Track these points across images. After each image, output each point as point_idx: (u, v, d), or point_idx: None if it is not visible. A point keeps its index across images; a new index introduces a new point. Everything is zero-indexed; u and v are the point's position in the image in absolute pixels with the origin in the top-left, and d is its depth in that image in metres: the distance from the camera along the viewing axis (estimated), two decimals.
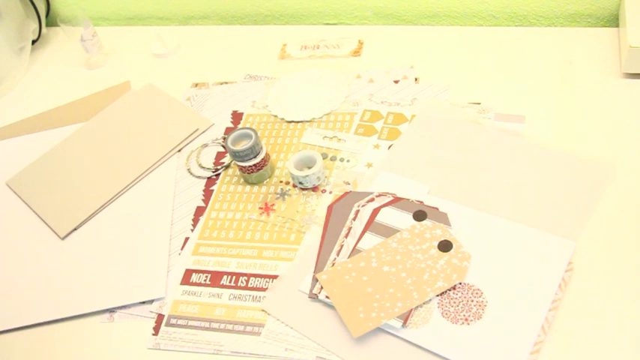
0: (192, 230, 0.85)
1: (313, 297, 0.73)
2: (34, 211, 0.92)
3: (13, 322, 0.79)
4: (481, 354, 0.65)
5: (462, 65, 0.98)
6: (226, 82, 1.06)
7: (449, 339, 0.67)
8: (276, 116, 0.97)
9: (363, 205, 0.80)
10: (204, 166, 0.93)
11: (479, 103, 0.91)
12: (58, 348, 0.76)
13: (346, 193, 0.83)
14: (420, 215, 0.77)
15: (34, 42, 1.23)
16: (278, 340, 0.71)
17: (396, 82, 0.98)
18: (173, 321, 0.76)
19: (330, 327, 0.71)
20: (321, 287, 0.73)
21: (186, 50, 1.15)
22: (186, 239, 0.84)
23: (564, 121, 0.87)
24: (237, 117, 0.99)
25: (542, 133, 0.85)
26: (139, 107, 1.04)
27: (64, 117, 1.07)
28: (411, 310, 0.69)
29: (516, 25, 1.08)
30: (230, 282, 0.78)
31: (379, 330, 0.69)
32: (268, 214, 0.84)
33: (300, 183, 0.85)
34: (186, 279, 0.80)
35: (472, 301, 0.69)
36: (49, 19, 1.28)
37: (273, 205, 0.85)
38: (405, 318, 0.68)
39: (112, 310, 0.78)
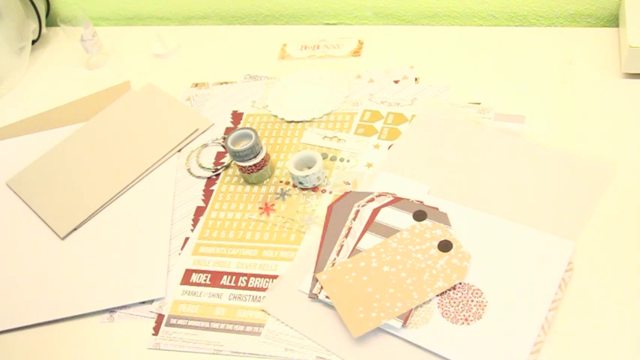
0: (192, 230, 0.85)
1: (313, 297, 0.73)
2: (34, 211, 0.92)
3: (13, 322, 0.79)
4: (481, 354, 0.65)
5: (462, 65, 0.98)
6: (226, 82, 1.06)
7: (449, 339, 0.67)
8: (276, 116, 0.97)
9: (363, 205, 0.80)
10: (204, 166, 0.93)
11: (479, 103, 0.91)
12: (58, 348, 0.76)
13: (346, 193, 0.83)
14: (420, 215, 0.77)
15: (34, 42, 1.23)
16: (278, 340, 0.71)
17: (396, 82, 0.98)
18: (173, 321, 0.76)
19: (330, 327, 0.71)
20: (321, 287, 0.73)
21: (186, 50, 1.15)
22: (186, 239, 0.84)
23: (564, 121, 0.87)
24: (237, 117, 0.99)
25: (542, 133, 0.86)
26: (139, 107, 1.04)
27: (64, 117, 1.07)
28: (411, 310, 0.69)
29: (516, 25, 1.08)
30: (230, 282, 0.78)
31: (379, 330, 0.69)
32: (268, 214, 0.84)
33: (300, 183, 0.85)
34: (186, 279, 0.80)
35: (472, 301, 0.69)
36: (49, 19, 1.28)
37: (273, 205, 0.85)
38: (405, 318, 0.68)
39: (112, 310, 0.78)
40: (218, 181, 0.90)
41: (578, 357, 0.64)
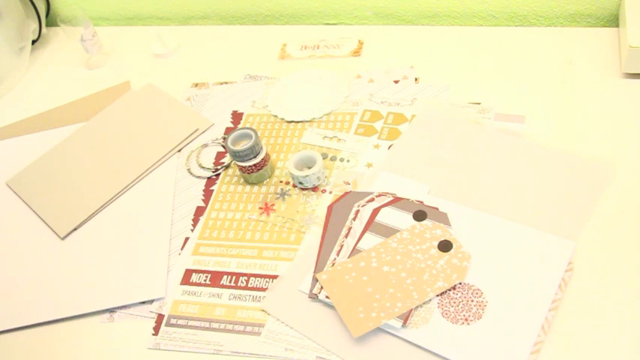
0: (192, 230, 0.85)
1: (313, 297, 0.73)
2: (34, 211, 0.92)
3: (13, 322, 0.79)
4: (481, 354, 0.65)
5: (462, 65, 0.98)
6: (226, 82, 1.06)
7: (449, 339, 0.67)
8: (276, 116, 0.97)
9: (363, 205, 0.80)
10: (204, 166, 0.93)
11: (479, 103, 0.91)
12: (58, 348, 0.76)
13: (346, 193, 0.83)
14: (420, 215, 0.77)
15: (34, 42, 1.23)
16: (278, 340, 0.71)
17: (396, 82, 0.98)
18: (173, 321, 0.76)
19: (330, 327, 0.71)
20: (321, 287, 0.73)
21: (186, 50, 1.15)
22: (186, 239, 0.84)
23: (564, 121, 0.87)
24: (237, 117, 0.99)
25: (542, 133, 0.85)
26: (139, 107, 1.04)
27: (64, 117, 1.07)
28: (411, 310, 0.69)
29: (516, 25, 1.08)
30: (230, 282, 0.78)
31: (379, 330, 0.69)
32: (268, 214, 0.84)
33: (300, 183, 0.85)
34: (186, 279, 0.80)
35: (472, 301, 0.69)
36: (49, 19, 1.28)
37: (273, 205, 0.85)
38: (405, 318, 0.68)
39: (112, 310, 0.78)
40: (218, 181, 0.90)
41: (578, 357, 0.64)
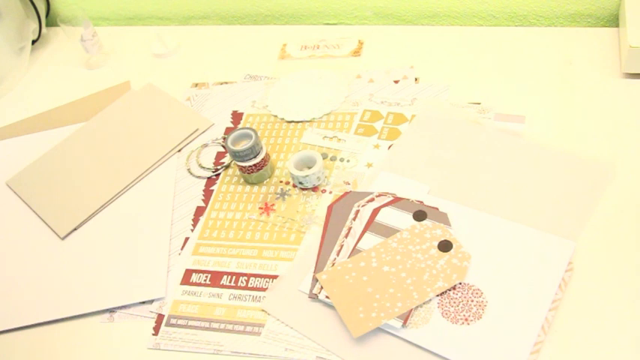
0: (192, 230, 0.85)
1: (313, 297, 0.73)
2: (34, 211, 0.92)
3: (13, 322, 0.79)
4: (481, 354, 0.65)
5: (462, 65, 0.98)
6: (226, 82, 1.06)
7: (449, 339, 0.67)
8: (276, 116, 0.97)
9: (363, 205, 0.80)
10: (204, 166, 0.93)
11: (479, 103, 0.91)
12: (58, 348, 0.76)
13: (346, 193, 0.83)
14: (420, 215, 0.77)
15: (34, 42, 1.23)
16: (278, 340, 0.71)
17: (396, 82, 0.98)
18: (173, 321, 0.76)
19: (330, 327, 0.71)
20: (321, 287, 0.73)
21: (186, 50, 1.15)
22: (186, 239, 0.84)
23: (564, 121, 0.87)
24: (237, 117, 0.99)
25: (542, 133, 0.85)
26: (139, 107, 1.04)
27: (64, 117, 1.07)
28: (411, 310, 0.69)
29: (516, 25, 1.08)
30: (230, 282, 0.78)
31: (379, 330, 0.69)
32: (268, 214, 0.84)
33: (300, 183, 0.85)
34: (186, 279, 0.80)
35: (472, 301, 0.69)
36: (49, 19, 1.28)
37: (273, 205, 0.85)
38: (405, 318, 0.68)
39: (112, 310, 0.78)
40: (218, 181, 0.90)
41: (578, 357, 0.64)
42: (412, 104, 0.93)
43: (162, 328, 0.75)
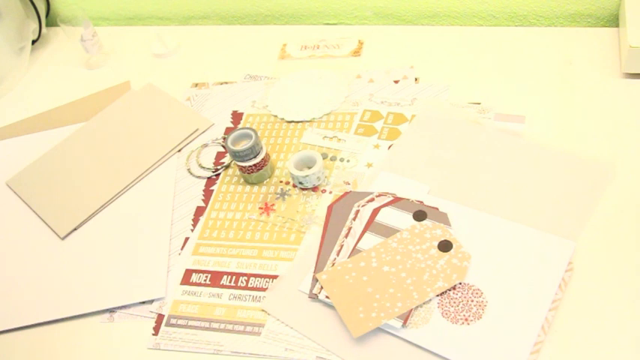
0: (192, 230, 0.85)
1: (313, 297, 0.73)
2: (34, 211, 0.92)
3: (13, 322, 0.79)
4: (481, 354, 0.65)
5: (462, 65, 0.98)
6: (226, 82, 1.06)
7: (449, 339, 0.67)
8: (276, 116, 0.97)
9: (363, 205, 0.80)
10: (204, 166, 0.93)
11: (479, 103, 0.91)
12: (58, 348, 0.76)
13: (346, 193, 0.83)
14: (420, 215, 0.77)
15: (34, 42, 1.23)
16: (278, 340, 0.71)
17: (396, 82, 0.98)
18: (173, 321, 0.76)
19: (330, 327, 0.71)
20: (321, 287, 0.73)
21: (186, 50, 1.15)
22: (186, 239, 0.84)
23: (564, 121, 0.87)
24: (237, 117, 0.99)
25: (542, 133, 0.85)
26: (139, 107, 1.04)
27: (64, 117, 1.07)
28: (411, 310, 0.69)
29: (516, 25, 1.08)
30: (230, 282, 0.78)
31: (379, 330, 0.69)
32: (268, 214, 0.84)
33: (300, 183, 0.85)
34: (186, 279, 0.80)
35: (472, 301, 0.69)
36: (49, 19, 1.28)
37: (273, 205, 0.85)
38: (405, 318, 0.68)
39: (112, 310, 0.78)
40: (218, 181, 0.90)
41: (578, 357, 0.64)
42: (412, 104, 0.93)
43: (162, 328, 0.75)
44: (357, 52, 1.05)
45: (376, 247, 0.75)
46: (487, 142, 0.85)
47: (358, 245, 0.76)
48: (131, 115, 1.03)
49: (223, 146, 0.95)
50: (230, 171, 0.92)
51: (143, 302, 0.78)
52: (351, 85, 0.99)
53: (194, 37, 1.17)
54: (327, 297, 0.72)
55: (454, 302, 0.69)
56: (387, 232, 0.77)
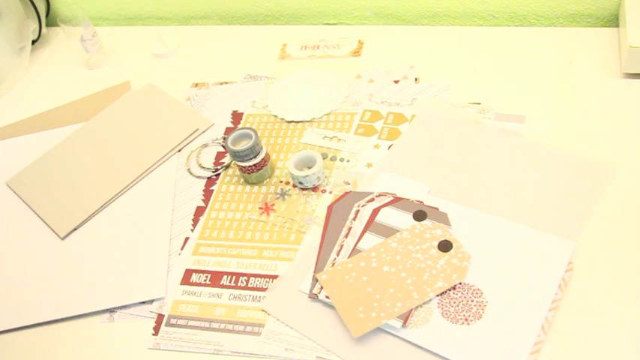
0: (192, 230, 0.85)
1: (313, 297, 0.73)
2: (34, 211, 0.92)
3: (13, 322, 0.79)
4: (481, 354, 0.65)
5: (462, 65, 0.98)
6: (226, 82, 1.06)
7: (449, 339, 0.67)
8: (276, 116, 0.97)
9: (363, 205, 0.80)
10: (204, 166, 0.93)
11: (479, 103, 0.91)
12: (58, 348, 0.76)
13: (346, 193, 0.83)
14: (420, 215, 0.77)
15: (34, 42, 1.23)
16: (278, 340, 0.71)
17: (396, 82, 0.98)
18: (173, 321, 0.76)
19: (330, 327, 0.71)
20: (321, 287, 0.73)
21: (186, 50, 1.15)
22: (186, 239, 0.84)
23: (564, 121, 0.87)
24: (237, 117, 0.99)
25: (542, 133, 0.86)
26: (139, 107, 1.04)
27: (64, 117, 1.07)
28: (411, 310, 0.69)
29: (516, 25, 1.08)
30: (230, 282, 0.78)
31: (379, 330, 0.69)
32: (268, 214, 0.84)
33: (300, 183, 0.85)
34: (186, 279, 0.80)
35: (472, 301, 0.69)
36: (49, 19, 1.28)
37: (273, 205, 0.85)
38: (405, 318, 0.68)
39: (112, 310, 0.78)
40: (218, 181, 0.90)
41: (578, 357, 0.64)
42: (412, 104, 0.93)
43: (162, 328, 0.75)
44: (357, 52, 1.05)
45: (376, 247, 0.75)
46: (487, 142, 0.85)
47: (358, 245, 0.76)
48: (131, 115, 1.03)
49: (223, 146, 0.95)
50: (230, 171, 0.92)
51: (143, 302, 0.78)
52: (351, 85, 0.99)
53: (194, 37, 1.17)
54: (327, 297, 0.72)
55: (454, 302, 0.69)
56: (387, 232, 0.77)
